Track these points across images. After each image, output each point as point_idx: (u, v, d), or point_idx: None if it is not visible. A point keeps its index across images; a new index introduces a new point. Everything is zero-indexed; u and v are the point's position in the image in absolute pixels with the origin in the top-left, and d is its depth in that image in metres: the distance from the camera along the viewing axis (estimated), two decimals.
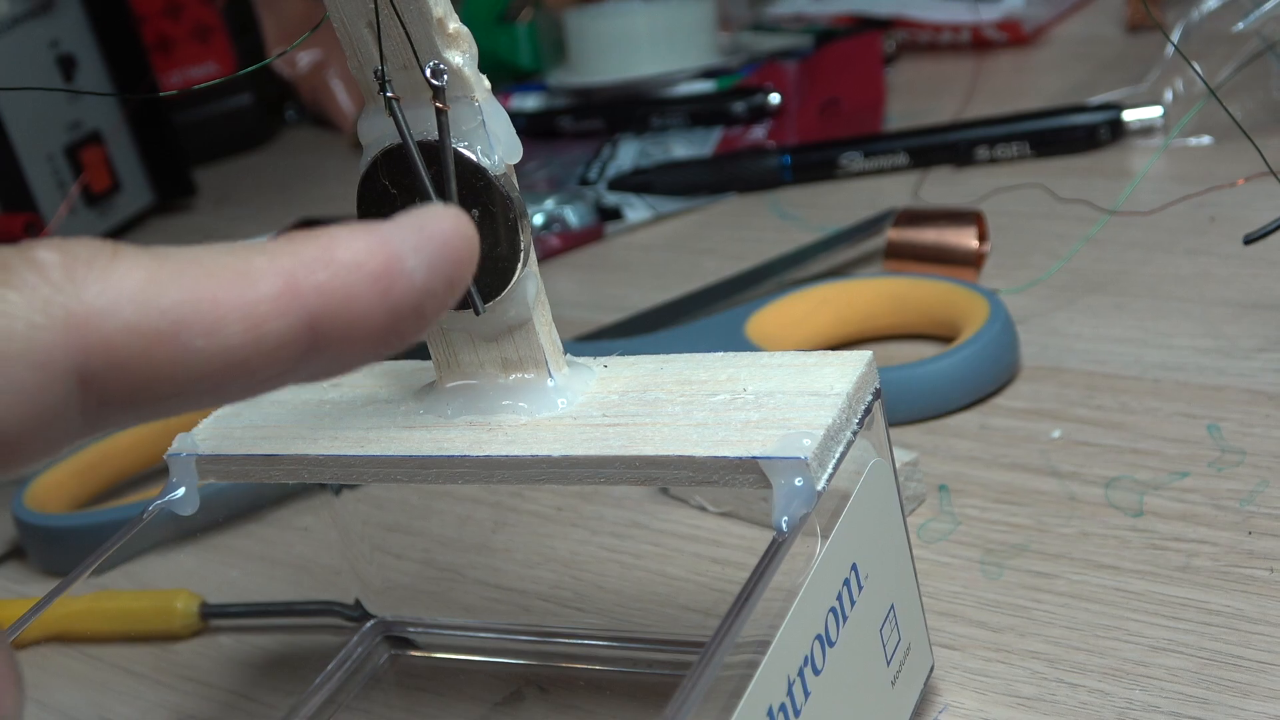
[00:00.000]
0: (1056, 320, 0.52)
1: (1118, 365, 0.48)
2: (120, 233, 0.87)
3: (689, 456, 0.29)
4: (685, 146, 0.79)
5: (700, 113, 0.81)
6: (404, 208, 0.31)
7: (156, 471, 0.54)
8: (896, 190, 0.67)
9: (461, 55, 0.29)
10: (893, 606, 0.32)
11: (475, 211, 0.30)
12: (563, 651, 0.39)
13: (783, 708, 0.26)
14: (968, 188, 0.65)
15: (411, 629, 0.41)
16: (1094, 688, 0.34)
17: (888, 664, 0.31)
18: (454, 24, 0.29)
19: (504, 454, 0.31)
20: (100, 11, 0.85)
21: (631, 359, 0.33)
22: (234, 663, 0.42)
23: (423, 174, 0.30)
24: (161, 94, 0.52)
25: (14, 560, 0.51)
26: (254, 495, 0.49)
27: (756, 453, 0.28)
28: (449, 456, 0.32)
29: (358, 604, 0.41)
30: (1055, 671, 0.35)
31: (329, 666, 0.40)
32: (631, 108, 0.83)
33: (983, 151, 0.68)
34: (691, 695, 0.25)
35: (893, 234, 0.57)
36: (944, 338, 0.50)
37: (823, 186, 0.71)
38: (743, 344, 0.50)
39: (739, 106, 0.80)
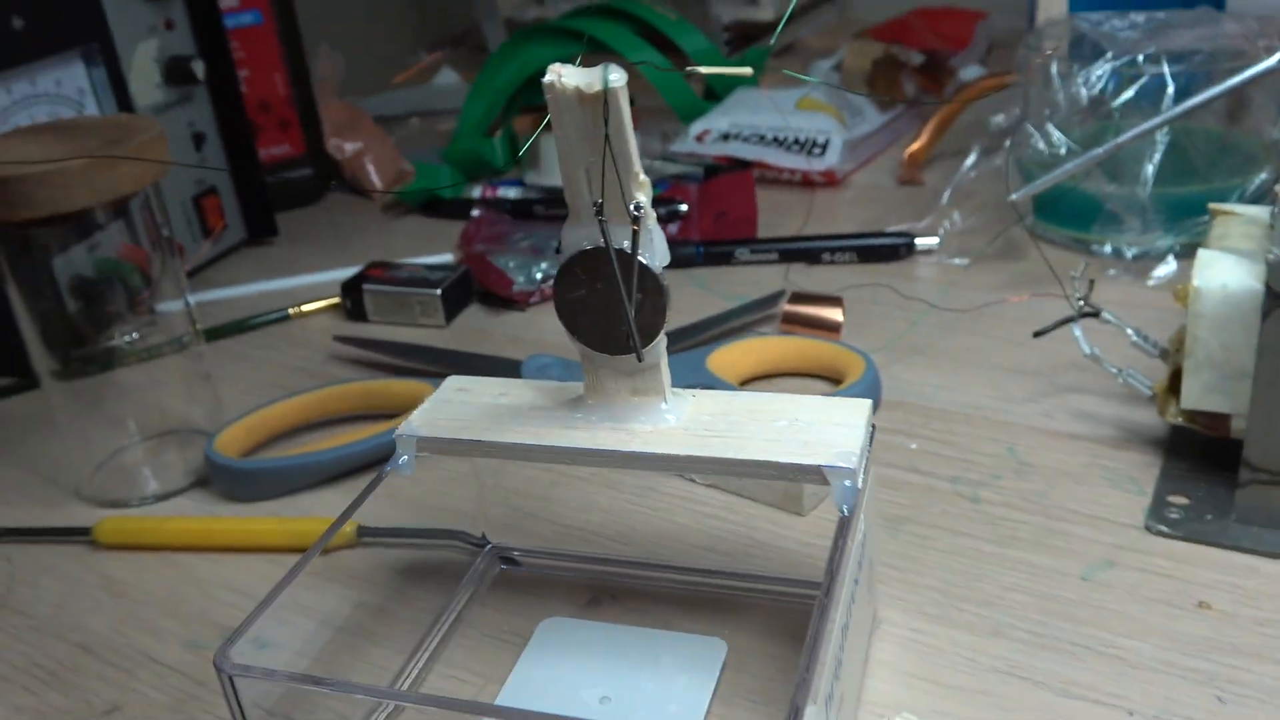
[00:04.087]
0: (895, 370, 0.54)
1: (941, 403, 0.50)
2: (223, 257, 0.84)
3: (774, 461, 0.30)
4: None
5: None
6: (589, 290, 0.31)
7: (302, 429, 0.52)
8: (771, 277, 0.69)
9: (646, 195, 0.30)
10: (871, 561, 0.33)
11: (640, 295, 0.31)
12: (620, 572, 0.40)
13: (844, 627, 0.28)
14: (818, 278, 0.67)
15: (515, 552, 0.41)
16: (974, 611, 0.36)
17: (869, 596, 0.33)
18: (642, 175, 0.30)
19: (644, 450, 0.32)
20: (222, 103, 0.82)
21: (710, 393, 0.34)
22: (386, 569, 0.41)
23: (617, 272, 0.30)
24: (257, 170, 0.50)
25: (199, 488, 0.49)
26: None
27: (821, 462, 0.30)
28: (601, 450, 0.32)
29: (483, 536, 0.41)
30: (947, 600, 0.37)
31: (465, 577, 0.40)
32: None
33: (826, 255, 0.70)
34: (824, 627, 0.26)
35: (787, 307, 0.59)
36: (832, 379, 0.53)
37: (721, 269, 0.72)
38: (707, 375, 0.51)
39: (660, 211, 0.81)
